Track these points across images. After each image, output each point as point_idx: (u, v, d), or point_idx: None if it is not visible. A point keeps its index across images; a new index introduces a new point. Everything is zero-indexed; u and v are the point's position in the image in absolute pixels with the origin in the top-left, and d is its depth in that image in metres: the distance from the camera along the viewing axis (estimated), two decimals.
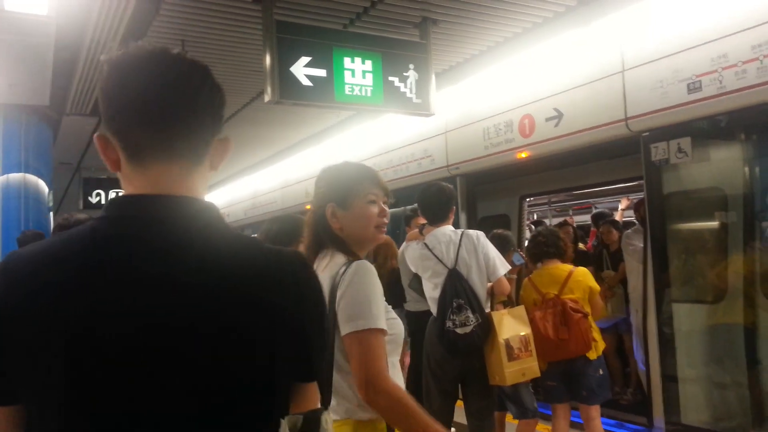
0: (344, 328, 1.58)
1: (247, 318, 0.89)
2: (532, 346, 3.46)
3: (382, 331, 1.59)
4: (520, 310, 3.58)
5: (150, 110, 0.95)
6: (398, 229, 6.54)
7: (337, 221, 1.81)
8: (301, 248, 2.06)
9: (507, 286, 3.50)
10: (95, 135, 1.01)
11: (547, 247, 3.83)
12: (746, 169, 4.04)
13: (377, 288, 1.65)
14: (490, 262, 3.42)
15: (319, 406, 1.01)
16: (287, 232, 2.68)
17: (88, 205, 10.87)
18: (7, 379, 0.85)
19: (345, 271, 1.67)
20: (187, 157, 1.00)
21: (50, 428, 0.84)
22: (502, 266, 3.46)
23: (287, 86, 4.28)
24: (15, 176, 6.59)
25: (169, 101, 0.96)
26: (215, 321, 0.87)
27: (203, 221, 0.95)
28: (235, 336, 0.88)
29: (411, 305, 5.00)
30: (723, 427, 4.12)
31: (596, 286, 3.75)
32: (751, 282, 4.07)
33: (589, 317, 3.68)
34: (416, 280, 4.07)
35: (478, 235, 3.47)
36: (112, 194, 10.99)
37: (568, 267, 3.81)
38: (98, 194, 10.95)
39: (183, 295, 0.87)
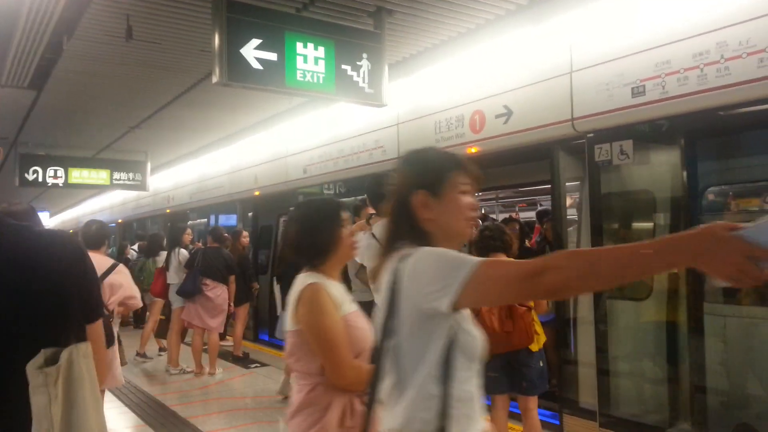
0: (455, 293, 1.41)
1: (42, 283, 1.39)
2: None
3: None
4: None
5: None
6: None
7: (429, 211, 1.58)
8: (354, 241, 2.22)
9: None
10: None
11: (493, 240, 3.87)
12: (683, 172, 4.18)
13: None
14: None
15: (100, 345, 1.55)
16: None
17: (24, 182, 10.40)
18: None
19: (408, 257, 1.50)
20: None
21: None
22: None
23: (236, 68, 4.18)
24: None
25: None
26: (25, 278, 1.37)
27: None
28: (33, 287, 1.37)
29: (357, 295, 4.99)
30: (652, 420, 4.29)
31: None
32: (675, 282, 4.24)
33: (532, 311, 3.75)
34: (363, 270, 4.06)
35: None
36: (50, 171, 10.55)
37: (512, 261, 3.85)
38: (35, 171, 10.48)
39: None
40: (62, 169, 10.68)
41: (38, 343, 1.33)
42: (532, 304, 3.71)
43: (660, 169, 4.46)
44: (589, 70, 4.43)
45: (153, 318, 8.38)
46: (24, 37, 5.42)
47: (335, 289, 2.14)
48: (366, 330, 2.10)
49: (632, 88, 4.14)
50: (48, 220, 23.75)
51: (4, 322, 1.33)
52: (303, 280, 2.11)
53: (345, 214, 2.21)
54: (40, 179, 10.55)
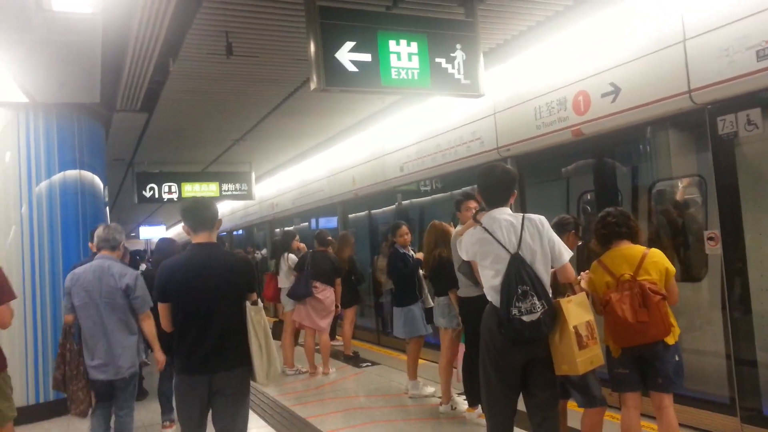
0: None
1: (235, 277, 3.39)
2: (596, 333, 3.29)
3: None
4: (582, 296, 3.40)
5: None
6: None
7: None
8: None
9: (572, 273, 3.33)
10: None
11: (618, 227, 3.61)
12: None
13: None
14: (555, 247, 3.26)
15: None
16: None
17: (142, 199, 11.14)
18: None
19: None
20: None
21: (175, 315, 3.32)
22: (566, 252, 3.30)
23: (333, 73, 4.21)
24: (71, 173, 6.74)
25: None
26: (227, 276, 3.35)
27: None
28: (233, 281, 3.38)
29: (462, 291, 4.91)
30: None
31: (672, 268, 3.53)
32: None
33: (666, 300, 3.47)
34: (466, 265, 3.94)
35: (542, 220, 3.30)
36: (164, 188, 11.22)
37: (641, 248, 3.57)
38: (152, 188, 11.18)
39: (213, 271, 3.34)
40: (176, 185, 11.33)
41: (239, 301, 3.36)
42: (665, 292, 3.42)
43: None
44: (704, 36, 4.08)
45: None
46: (133, 63, 5.76)
47: None
48: None
49: (757, 51, 3.77)
50: (165, 232, 25.36)
51: (226, 293, 3.32)
52: None
53: None
54: (156, 195, 11.25)
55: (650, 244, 3.69)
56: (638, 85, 4.59)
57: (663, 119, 4.64)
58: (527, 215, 3.32)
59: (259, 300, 3.45)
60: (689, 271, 4.86)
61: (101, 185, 7.35)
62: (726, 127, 4.11)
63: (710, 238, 4.32)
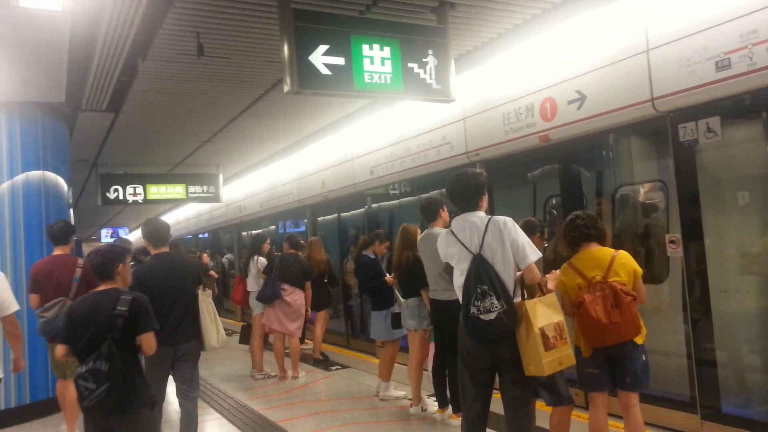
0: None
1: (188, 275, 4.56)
2: (567, 334, 3.36)
3: None
4: (551, 297, 3.48)
5: None
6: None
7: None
8: None
9: (537, 274, 3.39)
10: None
11: (587, 229, 3.70)
12: None
13: None
14: (519, 248, 3.33)
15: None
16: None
17: (106, 201, 10.92)
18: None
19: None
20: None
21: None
22: (532, 253, 3.36)
23: (306, 76, 4.23)
24: (34, 174, 6.59)
25: None
26: (182, 275, 4.48)
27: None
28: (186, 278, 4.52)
29: (437, 294, 4.97)
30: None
31: (640, 269, 3.64)
32: None
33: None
34: (449, 267, 4.00)
35: (506, 221, 3.37)
36: (129, 189, 11.03)
37: (610, 250, 3.68)
38: (116, 190, 10.97)
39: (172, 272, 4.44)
40: (141, 186, 11.14)
41: (192, 291, 4.52)
42: (635, 293, 3.53)
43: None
44: (667, 46, 4.23)
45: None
46: (101, 62, 5.68)
47: None
48: None
49: (716, 62, 3.92)
50: (129, 235, 24.88)
51: (182, 286, 4.40)
52: None
53: None
54: (121, 197, 11.04)
55: (614, 247, 3.79)
56: (603, 93, 4.73)
57: (626, 126, 4.78)
58: (494, 217, 3.40)
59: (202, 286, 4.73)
60: (652, 273, 5.01)
61: (65, 187, 7.20)
62: (687, 134, 4.26)
63: (672, 242, 4.47)
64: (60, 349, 3.32)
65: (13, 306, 4.21)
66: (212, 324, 4.65)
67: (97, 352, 3.10)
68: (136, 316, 3.26)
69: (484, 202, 3.58)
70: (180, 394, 4.52)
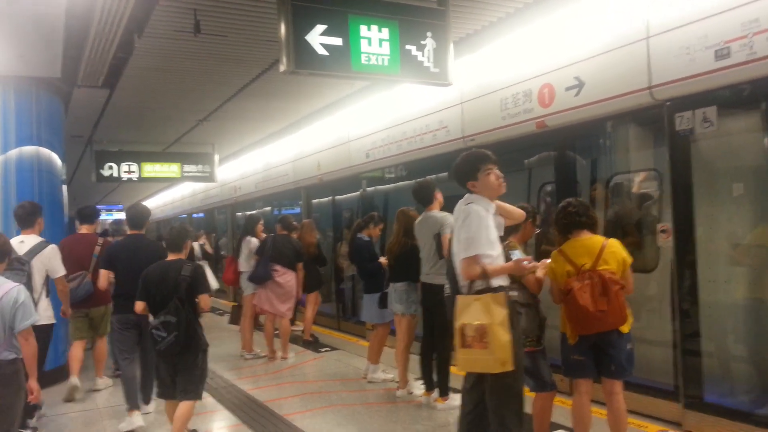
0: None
1: (151, 253, 4.92)
2: (489, 340, 3.07)
3: None
4: (490, 298, 3.14)
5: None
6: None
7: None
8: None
9: (466, 271, 3.22)
10: None
11: (579, 216, 3.69)
12: None
13: None
14: (462, 240, 3.27)
15: None
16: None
17: (100, 178, 10.88)
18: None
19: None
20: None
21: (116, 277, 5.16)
22: (472, 248, 3.20)
23: (303, 56, 4.19)
24: (28, 149, 6.55)
25: None
26: (148, 253, 4.92)
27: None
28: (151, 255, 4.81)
29: (431, 278, 4.99)
30: None
31: (629, 258, 3.65)
32: None
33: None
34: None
35: (469, 210, 3.28)
36: (124, 167, 10.98)
37: (600, 238, 3.67)
38: (110, 167, 10.93)
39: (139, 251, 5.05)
40: (136, 164, 11.10)
41: None
42: (623, 282, 3.54)
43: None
44: (667, 34, 4.21)
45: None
46: (97, 38, 5.62)
47: None
48: None
49: (716, 51, 3.91)
50: (121, 214, 24.79)
51: (148, 263, 4.39)
52: None
53: None
54: (116, 174, 11.01)
55: (605, 235, 3.79)
56: (602, 80, 4.71)
57: (624, 114, 4.78)
58: (470, 204, 3.33)
59: None
60: (641, 261, 5.03)
61: (59, 163, 7.16)
62: (683, 123, 4.26)
63: (663, 231, 4.48)
64: (139, 305, 4.25)
65: (61, 271, 5.21)
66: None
67: (167, 308, 4.04)
68: (195, 280, 4.16)
69: (474, 187, 3.57)
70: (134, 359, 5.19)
